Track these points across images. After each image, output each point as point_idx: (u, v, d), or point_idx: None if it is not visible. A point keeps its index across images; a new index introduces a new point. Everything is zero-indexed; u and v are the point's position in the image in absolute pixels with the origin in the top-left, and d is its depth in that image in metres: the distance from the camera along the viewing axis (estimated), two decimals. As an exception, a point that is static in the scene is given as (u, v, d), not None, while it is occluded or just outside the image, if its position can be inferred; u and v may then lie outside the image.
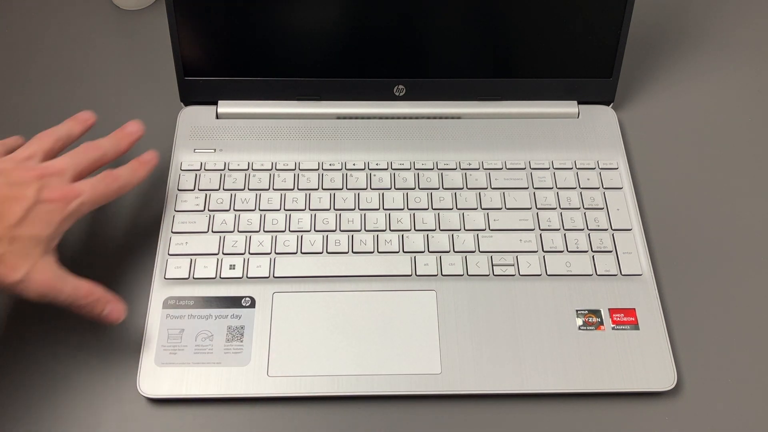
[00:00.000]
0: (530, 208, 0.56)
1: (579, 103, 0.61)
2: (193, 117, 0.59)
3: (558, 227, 0.55)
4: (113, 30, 0.68)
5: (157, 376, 0.48)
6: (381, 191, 0.56)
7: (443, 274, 0.52)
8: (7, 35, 0.68)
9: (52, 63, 0.66)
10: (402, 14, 0.56)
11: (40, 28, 0.68)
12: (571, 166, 0.58)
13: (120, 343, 0.50)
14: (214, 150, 0.58)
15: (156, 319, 0.50)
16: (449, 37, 0.58)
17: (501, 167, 0.58)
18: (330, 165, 0.57)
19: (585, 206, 0.56)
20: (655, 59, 0.67)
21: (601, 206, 0.56)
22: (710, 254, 0.56)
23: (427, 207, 0.55)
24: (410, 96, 0.60)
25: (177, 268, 0.52)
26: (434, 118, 0.60)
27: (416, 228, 0.54)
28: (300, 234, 0.54)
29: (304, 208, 0.55)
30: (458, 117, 0.61)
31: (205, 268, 0.52)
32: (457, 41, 0.58)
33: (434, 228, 0.54)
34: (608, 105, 0.62)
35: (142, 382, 0.47)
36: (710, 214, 0.58)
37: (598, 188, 0.57)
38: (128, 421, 0.48)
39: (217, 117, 0.60)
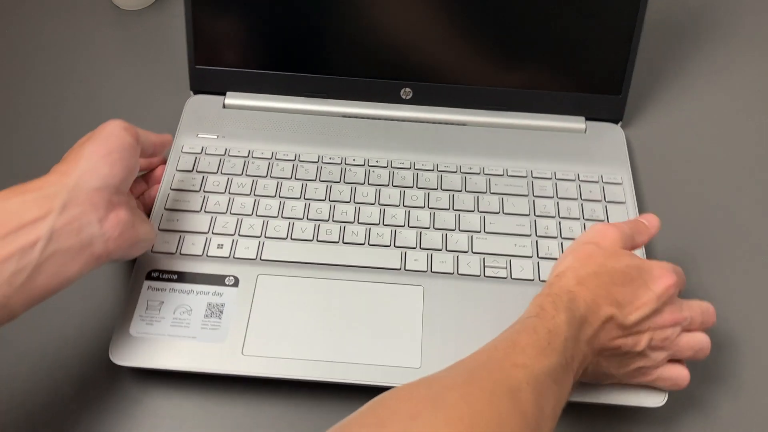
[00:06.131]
0: (528, 215, 0.54)
1: (587, 119, 0.61)
2: (200, 105, 0.60)
3: (555, 235, 0.53)
4: (113, 30, 0.69)
5: (130, 345, 0.47)
6: (378, 187, 0.55)
7: (433, 270, 0.51)
8: (8, 35, 0.68)
9: (52, 63, 0.66)
10: (414, 18, 0.57)
11: (41, 29, 0.68)
12: (573, 178, 0.57)
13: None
14: (217, 136, 0.58)
15: (137, 289, 0.49)
16: (459, 44, 0.58)
17: (502, 174, 0.57)
18: (330, 159, 0.57)
19: (585, 217, 0.55)
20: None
21: (602, 218, 0.55)
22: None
23: (423, 205, 0.55)
24: (417, 100, 0.60)
25: (165, 242, 0.51)
26: (439, 123, 0.60)
27: (410, 225, 0.53)
28: (292, 221, 0.53)
29: (299, 196, 0.55)
30: (463, 124, 0.60)
31: (193, 245, 0.51)
32: (467, 49, 0.58)
33: (428, 226, 0.53)
34: (617, 123, 0.61)
35: (114, 350, 0.46)
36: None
37: (600, 201, 0.56)
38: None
39: (224, 107, 0.60)
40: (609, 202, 0.55)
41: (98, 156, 0.44)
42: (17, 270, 0.38)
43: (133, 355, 0.46)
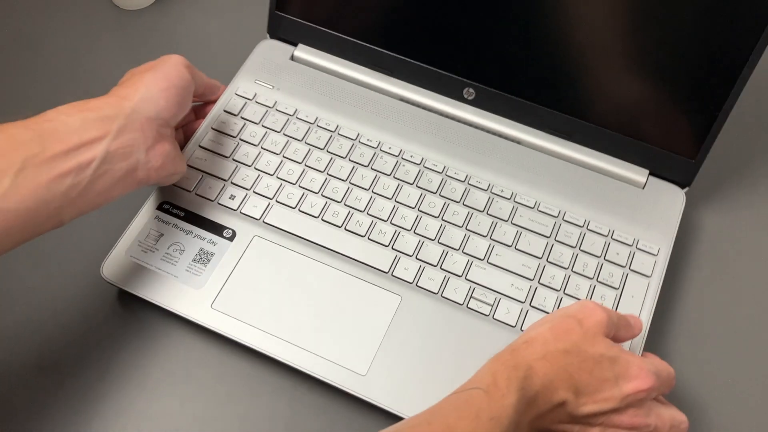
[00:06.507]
0: (539, 257, 0.52)
1: (651, 174, 0.55)
2: (270, 50, 0.61)
3: (558, 288, 0.50)
4: (113, 30, 0.67)
5: (120, 265, 0.51)
6: (401, 183, 0.54)
7: (418, 284, 0.50)
8: (8, 35, 0.66)
9: (52, 63, 0.65)
10: (500, 23, 0.54)
11: (41, 28, 0.67)
12: (605, 233, 0.53)
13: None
14: (273, 87, 0.59)
15: (146, 215, 0.52)
16: (539, 58, 0.54)
17: (532, 206, 0.54)
18: (367, 140, 0.56)
19: (598, 279, 0.51)
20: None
21: (616, 286, 0.51)
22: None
23: (437, 215, 0.53)
24: (478, 103, 0.57)
25: (186, 179, 0.54)
26: (493, 133, 0.57)
27: (416, 231, 0.52)
28: (306, 192, 0.54)
29: (322, 170, 0.55)
30: (518, 141, 0.57)
31: (209, 188, 0.54)
32: (545, 65, 0.54)
33: (433, 237, 0.52)
34: (682, 188, 0.55)
35: (106, 265, 0.51)
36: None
37: (623, 267, 0.51)
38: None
39: (292, 59, 0.61)
40: (632, 271, 0.51)
41: (158, 88, 0.47)
42: (73, 185, 0.42)
43: (120, 276, 0.50)
